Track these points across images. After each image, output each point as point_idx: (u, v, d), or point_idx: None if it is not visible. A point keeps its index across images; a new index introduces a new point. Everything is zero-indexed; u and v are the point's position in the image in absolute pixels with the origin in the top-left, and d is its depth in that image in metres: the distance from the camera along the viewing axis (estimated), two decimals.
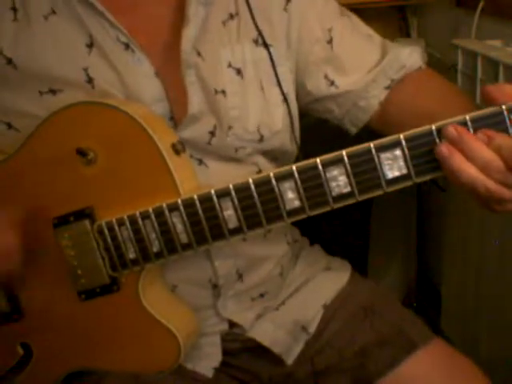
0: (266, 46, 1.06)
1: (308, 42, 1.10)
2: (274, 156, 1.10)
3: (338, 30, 1.11)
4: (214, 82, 1.01)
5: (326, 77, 1.11)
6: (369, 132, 1.13)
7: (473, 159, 0.74)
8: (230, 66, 1.03)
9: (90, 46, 0.96)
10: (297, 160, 0.99)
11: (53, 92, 0.96)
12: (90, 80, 0.96)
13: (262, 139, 1.05)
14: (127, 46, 0.97)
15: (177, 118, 0.99)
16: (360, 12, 2.43)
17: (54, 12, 0.96)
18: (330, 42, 1.11)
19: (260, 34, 1.05)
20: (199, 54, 1.00)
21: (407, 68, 1.11)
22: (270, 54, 1.06)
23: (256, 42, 1.06)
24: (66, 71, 0.96)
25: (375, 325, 1.12)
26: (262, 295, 1.12)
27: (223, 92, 1.02)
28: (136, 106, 0.94)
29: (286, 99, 1.08)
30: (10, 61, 0.96)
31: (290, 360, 1.11)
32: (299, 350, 1.12)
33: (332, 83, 1.11)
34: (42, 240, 0.95)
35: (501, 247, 1.67)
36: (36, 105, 0.96)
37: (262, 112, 1.05)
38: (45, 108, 0.93)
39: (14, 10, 0.96)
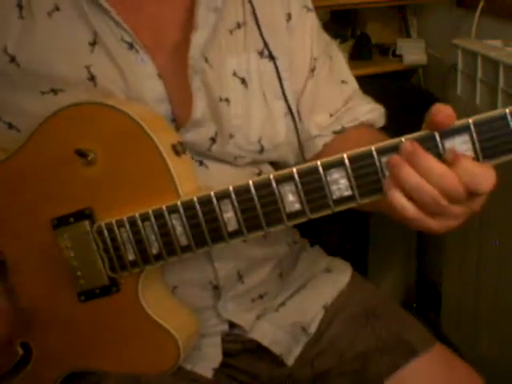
0: (272, 58, 1.06)
1: (294, 67, 1.10)
2: (273, 165, 1.11)
3: (320, 67, 1.12)
4: (219, 90, 1.01)
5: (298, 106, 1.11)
6: None
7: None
8: (234, 74, 1.03)
9: (93, 43, 0.96)
10: None
11: (54, 92, 0.96)
12: (92, 77, 0.96)
13: (262, 150, 1.05)
14: (131, 46, 0.97)
15: (179, 120, 0.99)
16: (360, 12, 2.45)
17: (57, 9, 0.96)
18: (311, 74, 1.11)
19: (266, 45, 1.05)
20: (206, 60, 1.00)
21: (360, 122, 1.12)
22: (276, 66, 1.06)
23: (261, 53, 1.06)
24: (68, 69, 0.96)
25: (376, 330, 1.11)
26: (261, 296, 1.12)
27: (227, 100, 1.02)
28: (137, 107, 0.93)
29: (291, 111, 1.07)
30: (13, 59, 0.95)
31: (290, 361, 1.11)
32: (299, 350, 1.12)
33: (299, 114, 1.12)
34: (42, 240, 0.95)
35: (501, 247, 1.68)
36: (37, 104, 0.96)
37: (264, 123, 1.05)
38: (46, 108, 0.93)
39: (20, 7, 0.96)
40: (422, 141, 0.75)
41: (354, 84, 1.17)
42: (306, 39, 1.11)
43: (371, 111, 1.14)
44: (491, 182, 0.73)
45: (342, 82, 1.15)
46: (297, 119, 1.09)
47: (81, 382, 1.00)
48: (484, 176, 0.73)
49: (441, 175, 0.73)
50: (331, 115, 1.12)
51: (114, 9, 0.96)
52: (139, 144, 0.88)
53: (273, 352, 1.11)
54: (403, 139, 0.76)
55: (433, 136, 0.74)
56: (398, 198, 0.76)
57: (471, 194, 0.74)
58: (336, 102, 1.13)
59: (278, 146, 1.07)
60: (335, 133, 1.11)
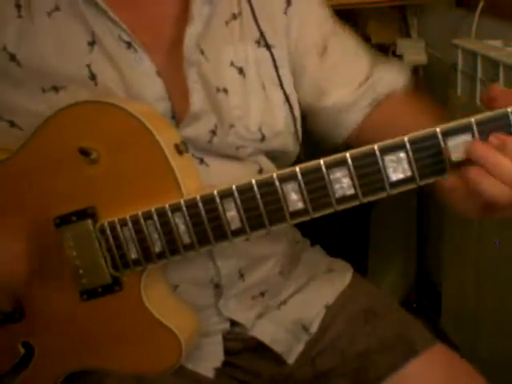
0: (268, 47, 1.06)
1: (304, 49, 1.10)
2: (274, 156, 1.10)
3: (332, 42, 1.12)
4: (216, 81, 1.01)
5: (317, 87, 1.11)
6: None
7: (497, 174, 0.73)
8: (232, 64, 1.04)
9: (92, 43, 0.97)
10: (299, 161, 0.99)
11: (55, 89, 0.96)
12: (93, 76, 0.96)
13: (263, 139, 1.05)
14: (129, 45, 0.97)
15: (178, 116, 0.99)
16: (360, 12, 2.45)
17: (57, 9, 0.96)
18: (324, 51, 1.11)
19: (262, 35, 1.06)
20: (202, 52, 1.01)
21: (391, 88, 1.12)
22: (272, 55, 1.06)
23: (258, 42, 1.06)
24: (69, 68, 0.96)
25: (376, 329, 1.11)
26: (262, 294, 1.12)
27: (225, 90, 1.02)
28: (139, 105, 0.94)
29: (288, 100, 1.08)
30: (13, 57, 0.96)
31: (290, 359, 1.11)
32: (300, 349, 1.12)
33: (322, 94, 1.12)
34: (44, 239, 0.95)
35: (501, 247, 1.68)
36: (38, 102, 0.96)
37: (263, 112, 1.05)
38: (47, 105, 0.93)
39: (18, 6, 0.96)
40: (424, 139, 0.75)
41: (368, 55, 1.17)
42: (311, 20, 1.11)
43: (397, 76, 1.13)
44: None
45: (358, 54, 1.15)
46: (294, 107, 1.09)
47: (82, 381, 1.00)
48: None
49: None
50: (359, 86, 1.12)
51: (111, 8, 0.96)
52: (142, 143, 0.88)
53: (274, 350, 1.11)
54: (405, 138, 0.76)
55: (435, 134, 0.74)
56: (493, 184, 0.74)
57: None
58: (359, 75, 1.13)
59: (278, 134, 1.07)
60: (369, 105, 1.11)
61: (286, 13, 1.09)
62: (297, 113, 1.10)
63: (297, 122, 1.10)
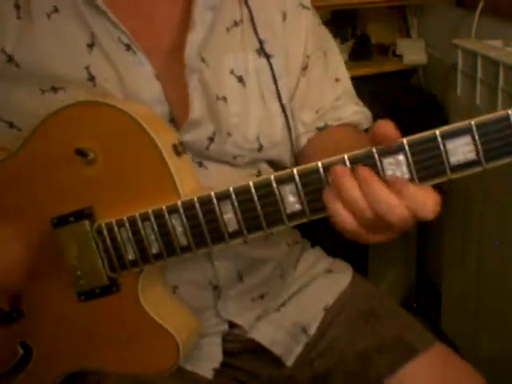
0: (267, 56, 1.06)
1: (290, 64, 1.10)
2: (271, 164, 1.11)
3: (313, 63, 1.13)
4: (216, 88, 1.01)
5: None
6: None
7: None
8: (232, 72, 1.03)
9: (91, 45, 0.96)
10: None
11: (54, 90, 0.96)
12: (91, 78, 0.96)
13: (261, 148, 1.05)
14: (128, 47, 0.97)
15: (177, 121, 0.99)
16: (360, 12, 2.45)
17: (56, 10, 0.96)
18: (305, 68, 1.12)
19: (261, 44, 1.05)
20: (203, 59, 1.00)
21: (343, 121, 1.13)
22: (270, 65, 1.06)
23: (259, 52, 1.06)
24: (68, 69, 0.96)
25: (376, 329, 1.11)
26: (262, 296, 1.12)
27: (224, 99, 1.02)
28: (138, 106, 0.93)
29: (284, 111, 1.07)
30: (11, 58, 0.95)
31: (289, 361, 1.11)
32: (299, 351, 1.12)
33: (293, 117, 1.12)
34: (42, 239, 0.95)
35: (501, 247, 1.68)
36: (37, 103, 0.96)
37: (262, 121, 1.05)
38: (46, 106, 0.92)
39: (17, 7, 0.96)
40: (424, 142, 0.74)
41: (346, 83, 1.18)
42: (300, 37, 1.11)
43: (356, 113, 1.15)
44: (433, 208, 0.74)
45: (336, 79, 1.16)
46: (290, 118, 1.09)
47: (81, 381, 1.00)
48: (425, 203, 0.74)
49: (390, 206, 0.73)
50: (317, 112, 1.13)
51: (111, 10, 0.96)
52: (140, 144, 0.88)
53: (273, 353, 1.11)
54: (404, 140, 0.75)
55: (434, 137, 0.74)
56: (339, 210, 0.76)
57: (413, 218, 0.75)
58: (324, 100, 1.14)
59: (276, 144, 1.07)
60: (318, 129, 1.12)
61: (282, 25, 1.09)
62: (292, 124, 1.10)
63: (292, 133, 1.10)
